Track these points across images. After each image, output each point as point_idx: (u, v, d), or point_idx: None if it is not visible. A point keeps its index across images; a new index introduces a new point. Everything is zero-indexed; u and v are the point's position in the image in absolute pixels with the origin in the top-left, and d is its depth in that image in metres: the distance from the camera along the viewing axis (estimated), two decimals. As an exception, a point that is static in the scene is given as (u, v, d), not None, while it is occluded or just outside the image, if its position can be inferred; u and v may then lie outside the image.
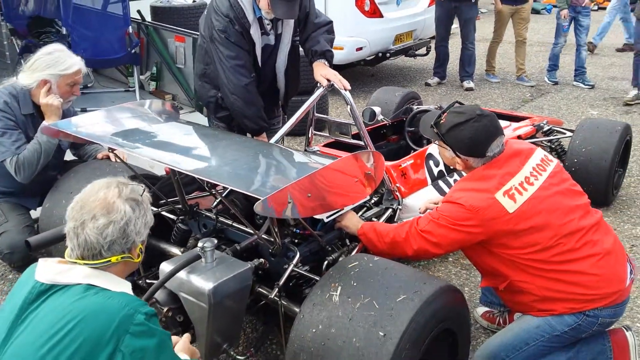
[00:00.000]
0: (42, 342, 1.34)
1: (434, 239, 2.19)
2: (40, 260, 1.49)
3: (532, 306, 2.23)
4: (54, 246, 2.37)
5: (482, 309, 2.79)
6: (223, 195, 2.53)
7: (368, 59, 6.90)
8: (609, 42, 9.29)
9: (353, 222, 2.48)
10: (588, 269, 2.12)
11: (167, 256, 2.48)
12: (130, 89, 5.31)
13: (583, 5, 6.80)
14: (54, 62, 2.94)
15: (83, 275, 1.44)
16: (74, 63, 2.99)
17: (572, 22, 6.97)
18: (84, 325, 1.34)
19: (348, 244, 2.58)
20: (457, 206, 2.14)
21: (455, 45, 7.89)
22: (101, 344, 1.33)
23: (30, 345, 1.35)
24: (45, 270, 1.45)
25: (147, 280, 2.47)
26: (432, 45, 7.57)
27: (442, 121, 2.25)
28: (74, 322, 1.34)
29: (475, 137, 2.17)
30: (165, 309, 2.07)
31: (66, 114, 3.05)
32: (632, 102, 6.26)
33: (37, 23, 5.52)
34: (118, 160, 2.77)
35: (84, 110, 4.00)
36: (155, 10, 6.75)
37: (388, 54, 6.94)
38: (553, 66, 7.35)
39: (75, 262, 1.46)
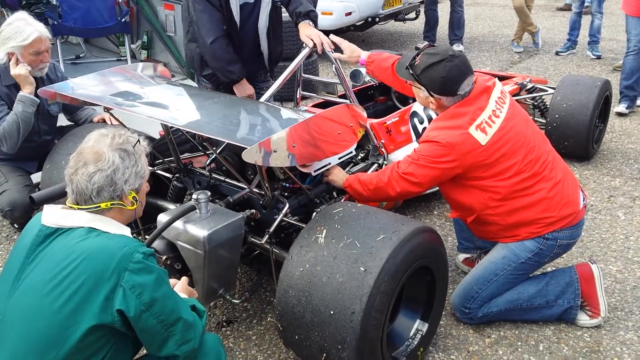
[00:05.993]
0: (49, 278, 1.46)
1: (416, 179, 2.31)
2: (45, 206, 1.60)
3: (498, 234, 2.41)
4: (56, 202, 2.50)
5: (462, 256, 2.95)
6: (217, 152, 2.65)
7: (358, 24, 6.91)
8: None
9: (339, 176, 2.60)
10: (546, 193, 2.31)
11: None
12: (122, 58, 5.35)
13: None
14: (13, 34, 2.92)
15: (85, 220, 1.54)
16: (32, 32, 2.91)
17: None
18: (87, 263, 1.45)
19: (335, 196, 2.72)
20: (435, 144, 2.26)
21: (444, 9, 7.90)
22: (103, 279, 1.45)
23: (39, 282, 1.48)
24: (51, 214, 1.56)
25: (147, 236, 2.61)
26: (422, 9, 7.58)
27: (416, 62, 2.35)
28: (78, 261, 1.46)
29: (447, 76, 2.27)
30: (164, 258, 2.20)
31: (54, 80, 3.10)
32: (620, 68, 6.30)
33: (27, -6, 5.53)
34: (114, 122, 2.87)
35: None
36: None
37: (377, 19, 6.95)
38: (568, 35, 6.87)
39: (72, 207, 1.57)
